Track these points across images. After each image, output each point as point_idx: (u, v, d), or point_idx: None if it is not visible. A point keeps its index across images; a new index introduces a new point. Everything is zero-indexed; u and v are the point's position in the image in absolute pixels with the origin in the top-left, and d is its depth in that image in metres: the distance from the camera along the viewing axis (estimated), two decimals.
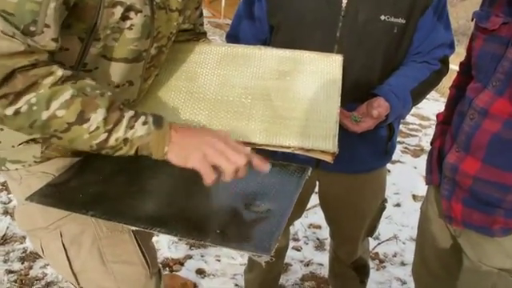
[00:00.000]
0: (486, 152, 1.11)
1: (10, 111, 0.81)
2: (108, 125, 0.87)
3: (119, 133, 0.88)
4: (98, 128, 0.86)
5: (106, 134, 0.87)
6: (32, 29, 0.80)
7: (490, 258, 1.20)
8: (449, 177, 1.21)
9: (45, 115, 0.82)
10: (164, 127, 0.92)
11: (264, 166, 0.95)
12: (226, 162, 0.90)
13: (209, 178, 0.90)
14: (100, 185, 0.99)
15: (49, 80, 0.82)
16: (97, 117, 0.86)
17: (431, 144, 1.41)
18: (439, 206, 1.32)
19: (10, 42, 0.77)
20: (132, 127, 0.89)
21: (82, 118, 0.84)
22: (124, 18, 0.93)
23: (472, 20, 1.23)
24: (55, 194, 0.98)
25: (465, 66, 1.37)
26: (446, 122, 1.36)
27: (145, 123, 0.91)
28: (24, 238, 2.45)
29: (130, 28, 0.95)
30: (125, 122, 0.89)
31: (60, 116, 0.83)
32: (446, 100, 1.43)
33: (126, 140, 0.89)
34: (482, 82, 1.14)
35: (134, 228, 0.91)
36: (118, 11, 0.91)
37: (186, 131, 0.95)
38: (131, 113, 0.91)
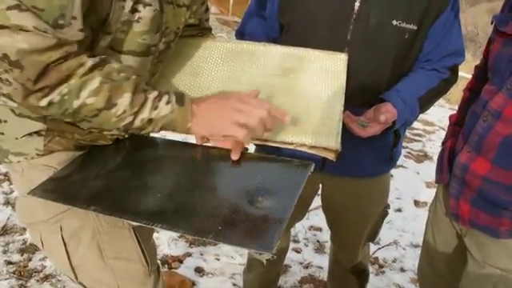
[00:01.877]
0: (496, 153, 1.13)
1: (44, 102, 0.85)
2: (134, 108, 0.92)
3: (144, 114, 0.93)
4: (124, 111, 0.91)
5: (133, 117, 0.92)
6: (60, 22, 0.82)
7: (494, 259, 1.22)
8: (458, 176, 1.23)
9: (76, 104, 0.87)
10: (186, 104, 0.97)
11: (284, 117, 1.01)
12: (249, 118, 0.96)
13: (241, 134, 0.96)
14: (102, 179, 0.98)
15: (79, 71, 0.86)
16: (123, 101, 0.90)
17: (442, 144, 1.43)
18: (447, 205, 1.33)
19: (42, 37, 0.80)
20: (156, 108, 0.94)
21: (109, 104, 0.89)
22: (133, 10, 0.94)
23: (492, 23, 1.25)
24: (57, 189, 0.97)
25: (480, 70, 1.38)
26: (458, 123, 1.38)
27: (168, 102, 0.95)
28: (24, 229, 2.45)
29: (137, 21, 0.96)
30: (149, 103, 0.93)
31: (90, 103, 0.88)
32: (451, 106, 1.44)
33: (150, 120, 0.94)
34: (497, 85, 1.16)
35: (135, 223, 0.90)
36: (128, 4, 0.92)
37: (207, 104, 1.00)
38: (155, 93, 0.95)
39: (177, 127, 0.97)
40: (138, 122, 0.93)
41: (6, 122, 1.00)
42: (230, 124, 0.96)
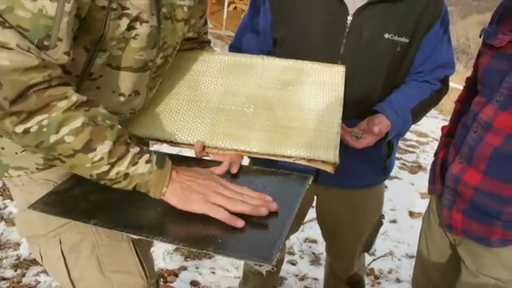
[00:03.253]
0: (487, 165, 1.14)
1: (19, 129, 0.81)
2: (112, 158, 0.88)
3: (121, 167, 0.89)
4: (101, 159, 0.87)
5: (108, 167, 0.88)
6: (46, 43, 0.80)
7: (488, 268, 1.23)
8: (451, 187, 1.24)
9: (53, 139, 0.83)
10: (166, 168, 0.94)
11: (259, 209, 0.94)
12: (228, 202, 0.92)
13: (220, 215, 0.91)
14: (101, 193, 0.98)
15: (63, 104, 0.83)
16: (103, 148, 0.86)
17: (435, 155, 1.44)
18: (440, 215, 1.34)
19: (24, 56, 0.77)
20: (135, 164, 0.90)
21: (88, 147, 0.85)
22: (129, 28, 0.93)
23: (480, 36, 1.26)
24: (57, 203, 0.98)
25: (471, 82, 1.40)
26: (449, 134, 1.39)
27: (148, 162, 0.92)
28: (18, 244, 2.43)
29: (134, 38, 0.96)
30: (129, 157, 0.90)
31: (68, 142, 0.84)
32: (444, 117, 1.46)
33: (126, 175, 0.90)
34: (486, 97, 1.17)
35: (135, 237, 0.90)
36: (124, 22, 0.92)
37: (187, 174, 0.97)
38: (136, 149, 0.92)
39: (151, 189, 0.93)
40: (112, 174, 0.89)
41: None
42: (206, 202, 0.92)
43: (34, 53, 0.79)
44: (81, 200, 0.98)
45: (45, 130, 0.82)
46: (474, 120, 1.18)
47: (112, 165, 0.88)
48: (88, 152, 0.86)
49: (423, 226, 1.50)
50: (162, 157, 0.95)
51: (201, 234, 0.89)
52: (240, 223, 0.90)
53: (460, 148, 1.22)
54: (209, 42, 1.37)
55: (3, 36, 0.76)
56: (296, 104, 1.20)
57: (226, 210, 0.92)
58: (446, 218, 1.27)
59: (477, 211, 1.19)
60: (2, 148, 1.02)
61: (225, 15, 9.60)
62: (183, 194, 0.93)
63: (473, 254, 1.26)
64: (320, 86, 1.23)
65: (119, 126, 0.91)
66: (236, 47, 1.57)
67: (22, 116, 0.80)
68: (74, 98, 0.84)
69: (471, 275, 1.26)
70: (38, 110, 0.80)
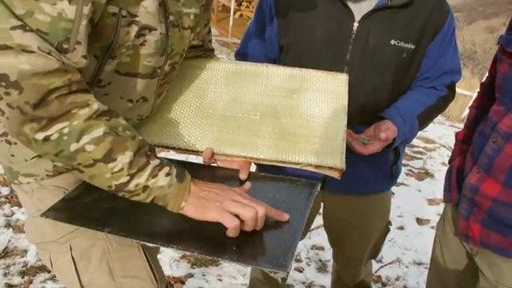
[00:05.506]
0: (506, 175, 1.12)
1: (39, 136, 0.80)
2: (132, 169, 0.87)
3: (141, 179, 0.88)
4: (121, 170, 0.86)
5: (128, 178, 0.87)
6: (65, 46, 0.80)
7: (507, 279, 1.21)
8: (468, 197, 1.22)
9: (73, 147, 0.82)
10: (185, 182, 0.93)
11: (282, 216, 0.96)
12: (243, 209, 0.90)
13: (231, 224, 0.89)
14: (113, 200, 0.97)
15: (84, 112, 0.82)
16: (123, 158, 0.85)
17: (449, 162, 1.42)
18: (456, 225, 1.32)
19: (45, 59, 0.77)
20: (155, 176, 0.89)
21: (108, 157, 0.84)
22: (139, 35, 0.94)
23: (498, 43, 1.25)
24: (69, 210, 0.98)
25: (486, 87, 1.38)
26: (465, 141, 1.38)
27: (168, 174, 0.91)
28: (25, 251, 2.44)
29: (143, 44, 0.96)
30: (149, 169, 0.89)
31: (88, 151, 0.83)
32: (451, 123, 1.44)
33: (145, 187, 0.89)
34: (506, 106, 1.15)
35: (151, 245, 0.90)
36: (133, 30, 0.92)
37: (205, 186, 0.96)
38: (157, 161, 0.91)
39: (169, 203, 0.91)
40: (132, 186, 0.87)
41: (16, 144, 1.01)
42: (222, 210, 0.90)
43: (55, 56, 0.79)
44: (93, 207, 0.98)
45: (65, 138, 0.81)
46: (493, 130, 1.15)
47: (132, 176, 0.87)
48: (108, 162, 0.84)
49: (437, 233, 1.48)
50: (182, 171, 0.94)
51: (215, 242, 0.90)
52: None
53: (478, 157, 1.20)
54: (213, 49, 1.38)
55: (24, 39, 0.76)
56: (302, 111, 1.21)
57: (241, 219, 0.90)
58: (463, 227, 1.25)
59: (495, 222, 1.17)
60: (12, 155, 1.03)
61: (231, 22, 9.67)
62: (199, 203, 0.92)
63: (491, 264, 1.23)
64: (324, 94, 1.24)
65: (140, 138, 0.91)
66: (242, 54, 1.58)
67: (43, 122, 0.79)
68: (95, 106, 0.84)
69: (489, 285, 1.24)
70: (58, 116, 0.80)
